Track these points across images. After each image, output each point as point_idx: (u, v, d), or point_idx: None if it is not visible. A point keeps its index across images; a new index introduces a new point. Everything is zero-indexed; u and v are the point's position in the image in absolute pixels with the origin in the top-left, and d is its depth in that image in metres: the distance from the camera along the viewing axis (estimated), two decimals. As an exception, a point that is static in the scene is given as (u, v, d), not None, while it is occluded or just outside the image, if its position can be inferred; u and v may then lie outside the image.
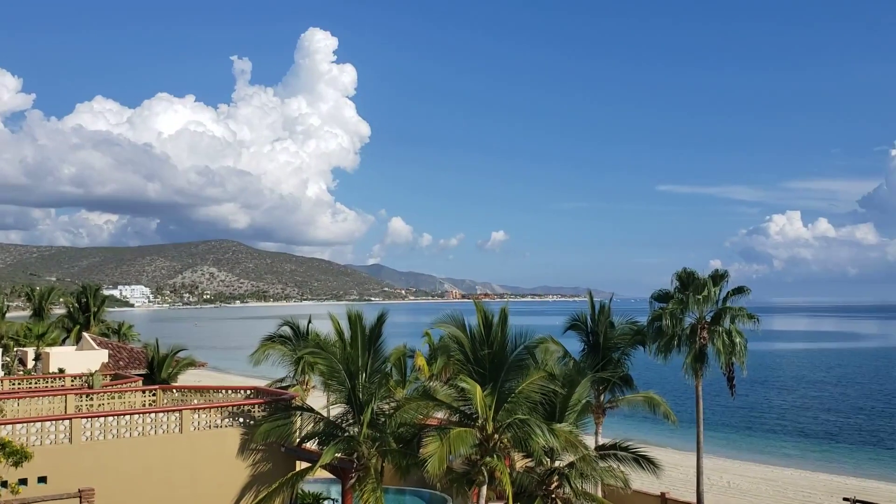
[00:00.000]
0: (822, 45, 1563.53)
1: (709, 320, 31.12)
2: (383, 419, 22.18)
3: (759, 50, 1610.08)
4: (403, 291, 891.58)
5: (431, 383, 28.56)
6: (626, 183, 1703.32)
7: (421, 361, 32.95)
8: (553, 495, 21.40)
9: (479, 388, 20.48)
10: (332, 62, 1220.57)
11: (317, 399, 32.10)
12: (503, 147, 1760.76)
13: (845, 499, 32.79)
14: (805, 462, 55.40)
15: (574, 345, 32.16)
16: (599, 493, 25.02)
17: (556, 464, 21.81)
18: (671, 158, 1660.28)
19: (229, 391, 28.49)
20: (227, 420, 24.07)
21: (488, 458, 20.50)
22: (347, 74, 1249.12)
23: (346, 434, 22.12)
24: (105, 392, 28.48)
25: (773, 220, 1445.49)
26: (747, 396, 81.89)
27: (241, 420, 24.27)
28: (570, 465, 21.40)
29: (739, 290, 31.67)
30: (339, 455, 21.90)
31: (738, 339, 30.38)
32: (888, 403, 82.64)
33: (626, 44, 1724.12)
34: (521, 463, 23.29)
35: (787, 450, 60.27)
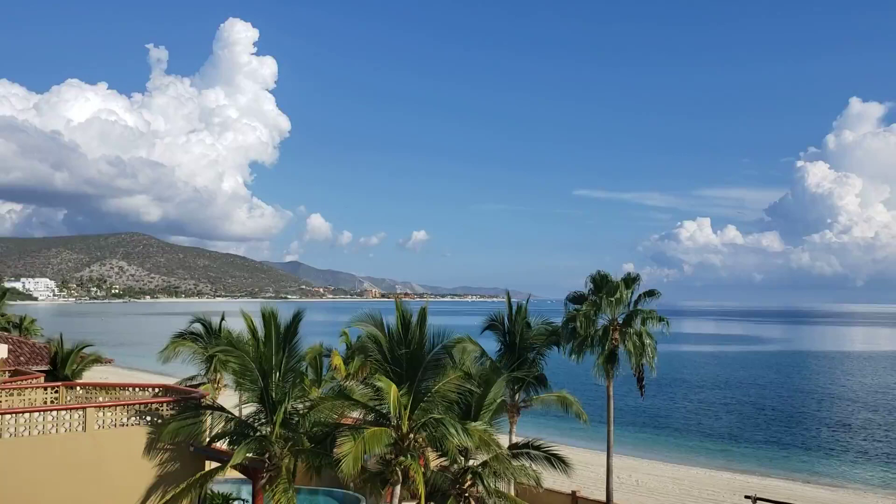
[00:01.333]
0: (734, 60, 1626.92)
1: (621, 322, 31.91)
2: (297, 418, 21.93)
3: (673, 62, 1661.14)
4: (322, 290, 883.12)
5: (347, 383, 28.38)
6: (545, 186, 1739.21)
7: (337, 360, 32.74)
8: (466, 494, 21.58)
9: (394, 387, 20.50)
10: (252, 54, 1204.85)
11: (229, 398, 31.47)
12: (426, 146, 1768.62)
13: (747, 496, 34.26)
14: (710, 461, 57.43)
15: (491, 345, 32.50)
16: (512, 492, 25.39)
17: (471, 463, 22.00)
18: (588, 163, 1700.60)
19: (136, 389, 27.73)
20: (133, 419, 23.37)
21: (403, 458, 20.52)
22: (268, 67, 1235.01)
23: (258, 434, 21.77)
24: (3, 389, 27.22)
25: (684, 227, 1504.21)
26: (656, 397, 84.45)
27: (149, 419, 23.60)
28: (484, 463, 21.62)
29: (650, 294, 32.57)
30: (250, 455, 21.54)
31: (648, 341, 31.24)
32: (787, 405, 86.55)
33: (547, 44, 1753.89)
34: (435, 462, 23.38)
35: (693, 449, 62.38)
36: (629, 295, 32.19)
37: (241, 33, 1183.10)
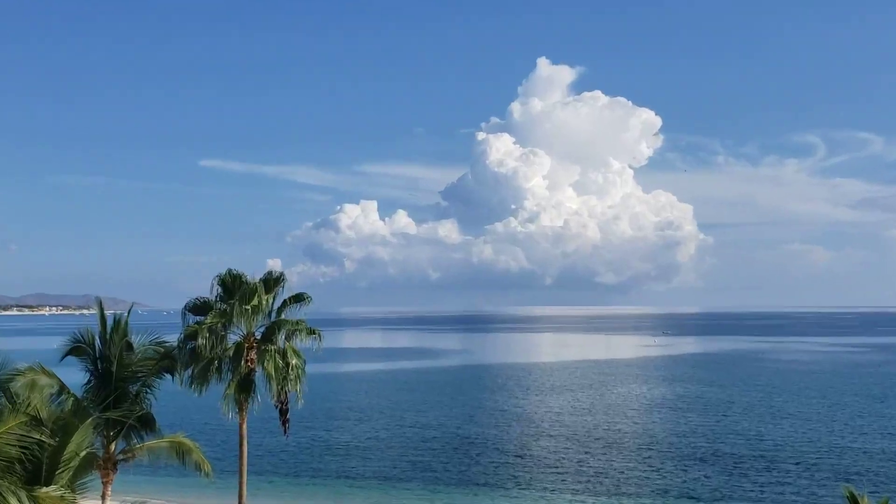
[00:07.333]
0: (402, 9, 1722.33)
1: (259, 337, 32.31)
2: None
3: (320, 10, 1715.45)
4: None
5: None
6: (157, 155, 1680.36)
7: None
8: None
9: (-79, 444, 18.65)
10: None
11: None
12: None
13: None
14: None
15: (77, 376, 31.10)
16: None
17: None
18: (217, 127, 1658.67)
19: None
20: None
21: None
22: None
23: None
24: None
25: (345, 211, 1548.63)
26: (303, 433, 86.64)
27: None
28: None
29: (299, 298, 33.41)
30: None
31: (294, 361, 32.06)
32: (459, 433, 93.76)
33: None
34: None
35: (347, 495, 65.16)
36: (270, 301, 32.79)
37: None
